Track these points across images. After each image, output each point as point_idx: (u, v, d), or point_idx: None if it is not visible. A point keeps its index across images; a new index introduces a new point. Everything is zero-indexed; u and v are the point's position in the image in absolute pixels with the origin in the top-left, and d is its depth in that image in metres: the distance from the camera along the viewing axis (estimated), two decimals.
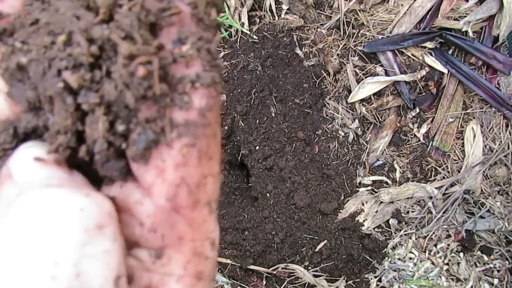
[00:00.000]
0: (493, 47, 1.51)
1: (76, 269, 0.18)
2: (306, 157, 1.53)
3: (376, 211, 1.53)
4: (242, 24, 1.57)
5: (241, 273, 1.48)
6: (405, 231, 1.53)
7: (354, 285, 1.49)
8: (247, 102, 1.54)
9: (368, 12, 1.55)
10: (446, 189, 1.51)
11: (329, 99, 1.57)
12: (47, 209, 0.19)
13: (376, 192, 1.53)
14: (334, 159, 1.55)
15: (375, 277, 1.50)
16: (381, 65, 1.55)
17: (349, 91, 1.55)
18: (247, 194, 1.57)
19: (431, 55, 1.52)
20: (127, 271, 0.21)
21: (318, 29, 1.58)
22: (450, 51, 1.53)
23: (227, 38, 1.58)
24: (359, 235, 1.50)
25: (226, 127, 1.53)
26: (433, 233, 1.53)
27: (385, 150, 1.56)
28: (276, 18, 1.60)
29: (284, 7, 1.60)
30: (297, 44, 1.58)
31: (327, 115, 1.57)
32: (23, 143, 0.23)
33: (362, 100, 1.55)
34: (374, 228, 1.53)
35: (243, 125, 1.53)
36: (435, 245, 1.53)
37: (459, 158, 1.54)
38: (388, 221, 1.54)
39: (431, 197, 1.52)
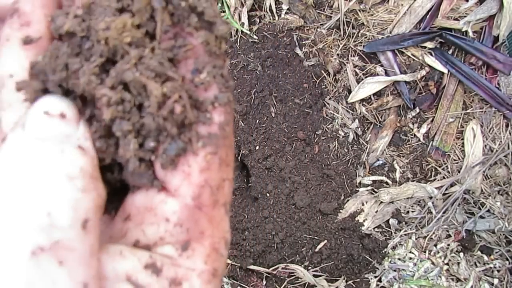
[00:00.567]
0: (493, 47, 1.51)
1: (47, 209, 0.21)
2: (306, 157, 1.53)
3: (376, 211, 1.53)
4: (242, 24, 1.57)
5: (241, 273, 1.48)
6: (405, 231, 1.53)
7: (354, 285, 1.49)
8: (247, 102, 1.54)
9: (368, 12, 1.55)
10: (446, 189, 1.51)
11: (329, 99, 1.57)
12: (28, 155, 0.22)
13: (376, 192, 1.53)
14: (334, 159, 1.55)
15: (375, 277, 1.50)
16: (381, 65, 1.55)
17: (349, 91, 1.55)
18: (247, 194, 1.57)
19: (431, 55, 1.52)
20: (155, 264, 0.24)
21: (318, 29, 1.57)
22: (450, 51, 1.53)
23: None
24: (359, 235, 1.50)
25: None
26: (433, 233, 1.53)
27: (385, 150, 1.56)
28: (276, 18, 1.60)
29: (284, 7, 1.60)
30: (297, 44, 1.57)
31: (327, 115, 1.57)
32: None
33: (362, 100, 1.55)
34: (374, 228, 1.53)
35: (243, 125, 1.53)
36: (435, 245, 1.53)
37: (459, 158, 1.54)
38: (388, 221, 1.54)
39: (431, 197, 1.52)
